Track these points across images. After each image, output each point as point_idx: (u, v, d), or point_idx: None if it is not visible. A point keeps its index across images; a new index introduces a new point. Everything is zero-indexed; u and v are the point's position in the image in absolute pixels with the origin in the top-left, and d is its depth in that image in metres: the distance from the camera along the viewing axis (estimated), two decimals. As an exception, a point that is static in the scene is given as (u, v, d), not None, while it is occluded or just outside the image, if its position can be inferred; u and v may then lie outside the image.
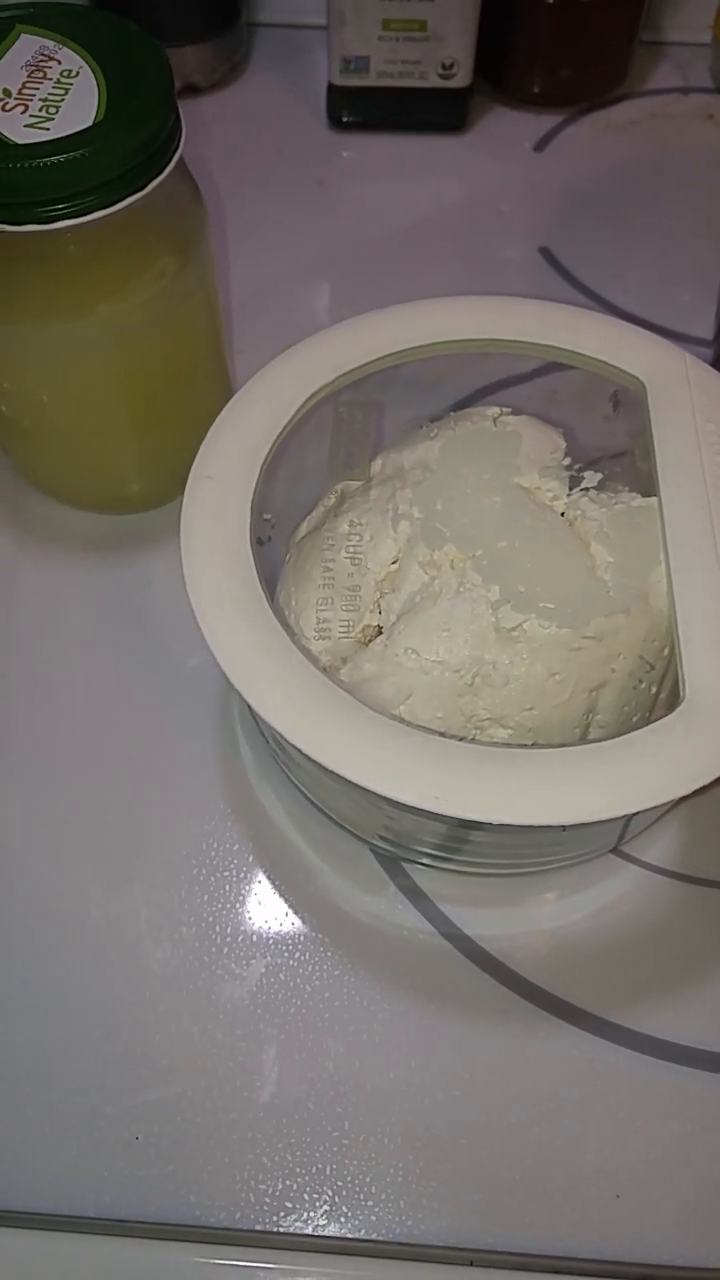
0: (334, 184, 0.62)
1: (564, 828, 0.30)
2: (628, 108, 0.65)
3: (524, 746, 0.33)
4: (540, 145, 0.64)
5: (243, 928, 0.38)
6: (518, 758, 0.30)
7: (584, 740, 0.34)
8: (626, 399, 0.39)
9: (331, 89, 0.61)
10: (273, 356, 0.38)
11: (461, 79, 0.60)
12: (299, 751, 0.30)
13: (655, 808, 0.32)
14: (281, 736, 0.30)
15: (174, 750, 0.42)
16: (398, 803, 0.29)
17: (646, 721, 0.35)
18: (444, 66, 0.59)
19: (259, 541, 0.34)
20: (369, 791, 0.29)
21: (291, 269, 0.57)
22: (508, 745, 0.33)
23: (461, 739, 0.31)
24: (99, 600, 0.45)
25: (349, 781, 0.29)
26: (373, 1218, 0.33)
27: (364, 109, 0.62)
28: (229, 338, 0.52)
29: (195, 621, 0.32)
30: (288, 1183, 0.34)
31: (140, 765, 0.41)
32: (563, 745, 0.33)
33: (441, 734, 0.31)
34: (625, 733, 0.31)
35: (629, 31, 0.63)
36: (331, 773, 0.29)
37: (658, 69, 0.68)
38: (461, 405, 0.42)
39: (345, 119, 0.63)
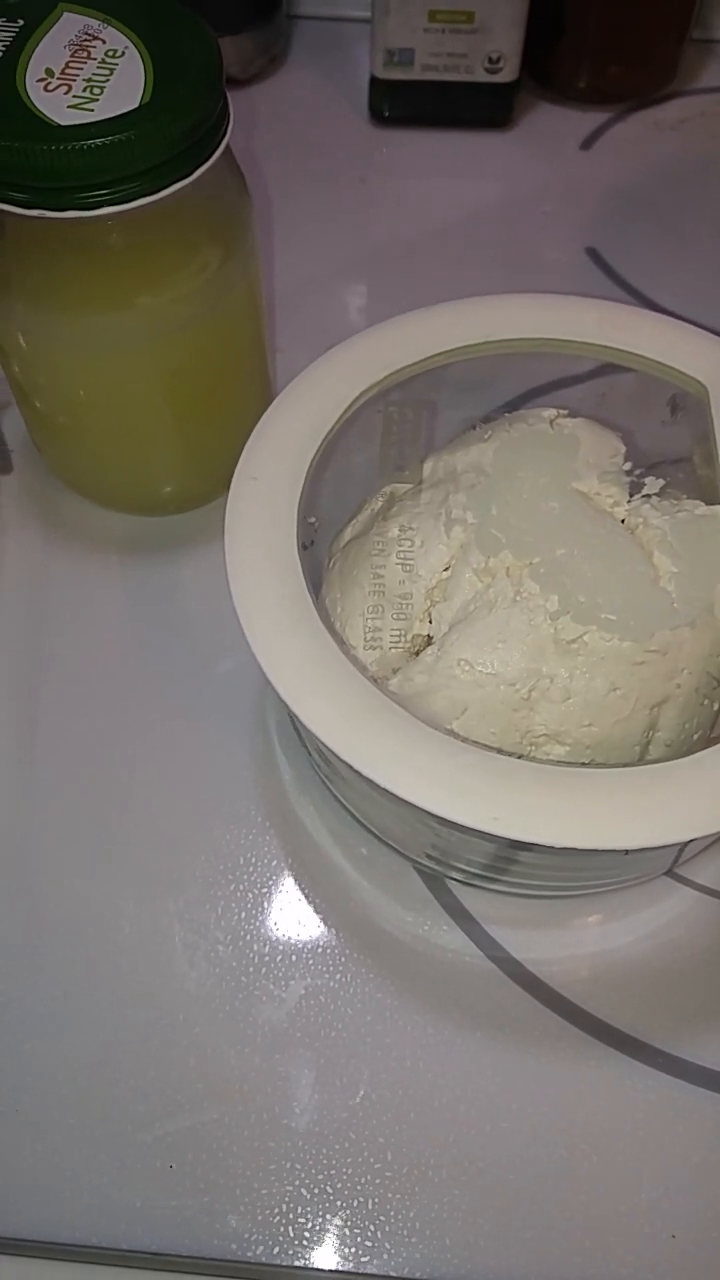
0: (375, 180, 0.60)
1: (626, 851, 0.29)
2: (677, 106, 0.64)
3: (586, 766, 0.31)
4: (587, 143, 0.62)
5: (281, 946, 0.37)
6: (581, 778, 0.28)
7: (644, 758, 0.32)
8: (686, 403, 0.37)
9: (374, 82, 0.60)
10: (313, 355, 0.36)
11: (508, 73, 0.58)
12: (347, 767, 0.28)
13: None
14: (331, 751, 0.28)
15: (208, 759, 0.40)
16: (453, 823, 0.27)
17: (708, 739, 0.33)
18: (490, 60, 0.57)
19: (303, 546, 0.33)
20: (422, 810, 0.28)
21: (331, 266, 0.56)
22: (568, 764, 0.31)
23: (519, 756, 0.30)
24: (130, 604, 0.44)
25: (401, 800, 0.28)
26: (417, 1255, 0.32)
27: (407, 103, 0.60)
28: (270, 335, 0.51)
29: (239, 628, 0.30)
30: (328, 1216, 0.32)
31: (173, 774, 0.40)
32: (622, 763, 0.32)
33: (499, 751, 0.29)
34: (687, 750, 0.29)
35: (679, 28, 0.61)
36: (383, 790, 0.28)
37: (708, 67, 0.66)
38: (513, 406, 0.40)
39: (387, 113, 0.61)
